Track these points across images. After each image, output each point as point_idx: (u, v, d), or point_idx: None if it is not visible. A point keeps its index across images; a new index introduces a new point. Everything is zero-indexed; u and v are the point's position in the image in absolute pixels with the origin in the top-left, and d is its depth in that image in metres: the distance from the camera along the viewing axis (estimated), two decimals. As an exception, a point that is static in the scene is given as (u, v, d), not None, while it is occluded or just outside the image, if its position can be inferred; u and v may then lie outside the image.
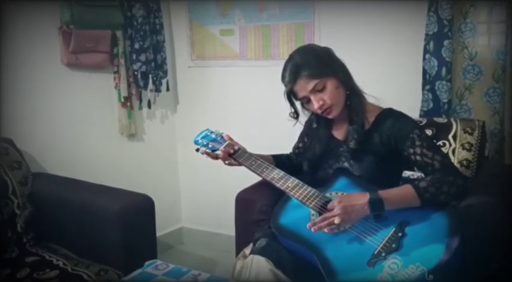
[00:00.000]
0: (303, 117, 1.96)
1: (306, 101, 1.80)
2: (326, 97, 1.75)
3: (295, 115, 1.89)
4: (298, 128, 2.05)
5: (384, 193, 1.60)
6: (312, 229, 1.60)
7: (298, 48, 1.87)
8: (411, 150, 1.69)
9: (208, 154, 1.98)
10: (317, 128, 1.94)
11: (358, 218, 1.62)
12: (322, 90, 1.74)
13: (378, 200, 1.58)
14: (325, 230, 1.60)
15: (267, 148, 2.12)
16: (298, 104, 1.87)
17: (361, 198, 1.60)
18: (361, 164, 1.77)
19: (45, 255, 2.10)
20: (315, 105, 1.75)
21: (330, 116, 1.81)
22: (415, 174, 2.15)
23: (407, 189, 1.62)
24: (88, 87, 2.84)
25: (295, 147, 2.13)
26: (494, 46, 2.37)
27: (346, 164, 1.81)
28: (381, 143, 1.76)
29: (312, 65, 1.74)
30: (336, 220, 1.57)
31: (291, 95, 1.82)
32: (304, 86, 1.74)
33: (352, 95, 1.81)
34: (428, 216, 1.59)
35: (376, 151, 1.76)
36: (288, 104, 1.86)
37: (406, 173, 2.16)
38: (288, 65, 1.78)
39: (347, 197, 1.63)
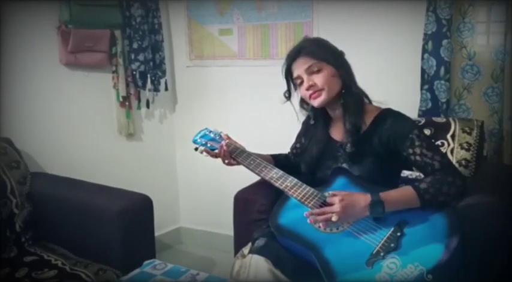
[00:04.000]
0: (302, 117, 1.96)
1: (299, 83, 1.81)
2: (318, 80, 1.75)
3: (288, 94, 1.88)
4: (297, 127, 2.06)
5: (384, 195, 1.60)
6: (308, 219, 1.60)
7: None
8: (410, 151, 1.69)
9: (208, 152, 1.97)
10: (315, 128, 1.93)
11: (355, 218, 1.62)
12: (317, 72, 1.75)
13: (379, 203, 1.58)
14: (321, 224, 1.60)
15: (265, 147, 2.12)
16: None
17: (362, 200, 1.60)
18: (360, 164, 1.76)
19: (44, 255, 2.09)
20: (305, 84, 1.76)
21: (316, 103, 1.78)
22: (414, 174, 2.14)
23: (408, 191, 1.62)
24: (86, 86, 2.84)
25: (293, 148, 2.13)
26: (493, 46, 2.37)
27: (344, 165, 1.80)
28: (380, 143, 1.75)
29: (316, 47, 1.78)
30: (334, 218, 1.57)
31: (288, 74, 1.83)
32: (301, 64, 1.76)
33: (348, 94, 1.79)
34: (427, 216, 1.59)
35: (375, 152, 1.75)
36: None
37: (405, 173, 2.15)
38: (295, 45, 1.82)
39: (349, 196, 1.62)
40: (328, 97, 1.77)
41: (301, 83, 1.79)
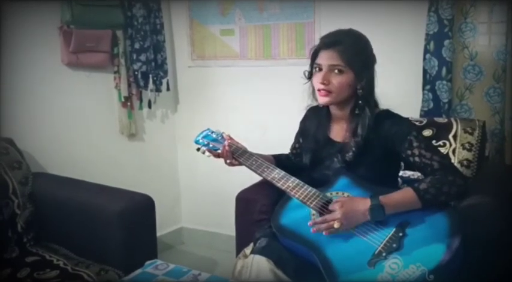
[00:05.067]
0: (299, 117, 1.95)
1: (316, 68, 1.77)
2: (334, 80, 1.72)
3: (309, 75, 1.84)
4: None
5: (384, 198, 1.60)
6: (312, 229, 1.60)
7: (359, 32, 1.82)
8: (409, 152, 1.69)
9: (210, 152, 1.97)
10: (313, 128, 1.93)
11: (357, 223, 1.62)
12: (337, 73, 1.72)
13: (379, 207, 1.58)
14: (324, 232, 1.60)
15: (266, 148, 2.12)
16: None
17: (362, 204, 1.60)
18: (358, 165, 1.76)
19: (46, 255, 2.10)
20: (320, 77, 1.73)
21: (321, 100, 1.77)
22: (416, 174, 2.14)
23: (408, 192, 1.62)
24: (88, 87, 2.84)
25: (292, 148, 2.12)
26: (495, 46, 2.36)
27: (343, 166, 1.79)
28: (378, 145, 1.75)
29: (352, 50, 1.72)
30: (336, 225, 1.57)
31: (315, 54, 1.78)
32: (329, 58, 1.72)
33: (364, 106, 1.76)
34: (428, 216, 1.59)
35: (373, 153, 1.75)
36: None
37: (407, 173, 2.16)
38: (339, 32, 1.78)
39: (349, 201, 1.63)
40: (334, 101, 1.77)
41: (320, 70, 1.75)
